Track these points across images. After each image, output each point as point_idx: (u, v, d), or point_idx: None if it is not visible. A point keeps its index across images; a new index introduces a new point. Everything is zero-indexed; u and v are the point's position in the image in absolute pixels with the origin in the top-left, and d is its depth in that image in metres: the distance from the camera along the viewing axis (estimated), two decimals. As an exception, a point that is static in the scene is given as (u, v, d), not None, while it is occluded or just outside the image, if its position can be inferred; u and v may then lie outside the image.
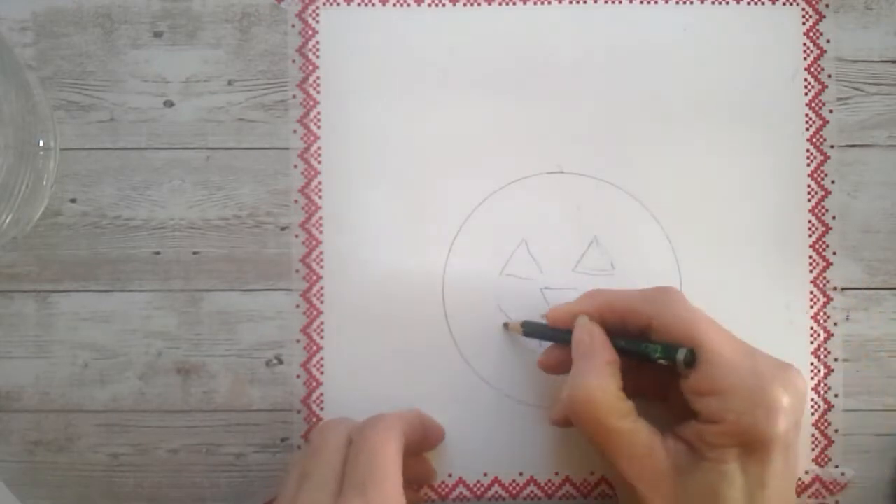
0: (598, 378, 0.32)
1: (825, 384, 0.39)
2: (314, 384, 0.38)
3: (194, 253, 0.39)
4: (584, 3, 0.40)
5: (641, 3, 0.40)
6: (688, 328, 0.32)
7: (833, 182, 0.39)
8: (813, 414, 0.38)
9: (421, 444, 0.36)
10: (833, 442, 0.38)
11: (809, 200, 0.39)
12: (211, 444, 0.38)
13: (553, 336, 0.36)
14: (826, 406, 0.39)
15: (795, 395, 0.31)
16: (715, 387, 0.31)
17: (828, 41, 0.40)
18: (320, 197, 0.39)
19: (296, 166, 0.39)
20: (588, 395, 0.32)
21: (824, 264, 0.39)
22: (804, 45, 0.40)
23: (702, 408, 0.32)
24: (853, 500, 0.38)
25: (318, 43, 0.39)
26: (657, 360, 0.32)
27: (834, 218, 0.39)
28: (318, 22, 0.39)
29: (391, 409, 0.36)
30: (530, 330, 0.37)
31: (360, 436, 0.32)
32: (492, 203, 0.39)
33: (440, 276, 0.39)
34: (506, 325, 0.38)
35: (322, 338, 0.38)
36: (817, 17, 0.40)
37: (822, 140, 0.39)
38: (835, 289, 0.39)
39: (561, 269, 0.39)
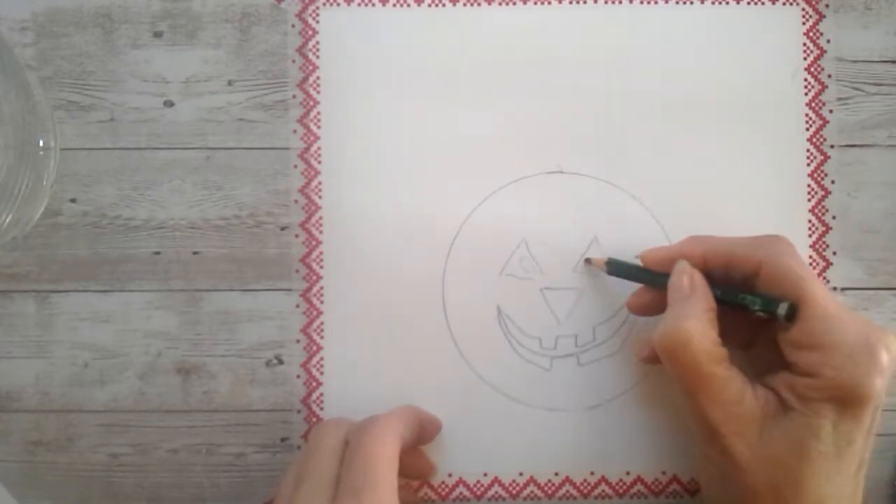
0: (697, 322, 0.32)
1: (825, 384, 0.39)
2: (314, 384, 0.38)
3: (194, 253, 0.39)
4: (585, 3, 0.40)
5: (641, 3, 0.40)
6: (796, 279, 0.32)
7: (833, 182, 0.39)
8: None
9: (418, 439, 0.36)
10: (833, 442, 0.38)
11: (809, 200, 0.39)
12: (211, 444, 0.38)
13: (642, 277, 0.36)
14: (826, 406, 0.39)
15: (894, 359, 0.31)
16: (816, 341, 0.31)
17: (828, 41, 0.40)
18: (320, 197, 0.39)
19: (296, 166, 0.39)
20: (686, 337, 0.32)
21: (824, 264, 0.39)
22: (804, 45, 0.40)
23: (799, 360, 0.32)
24: (853, 500, 0.38)
25: (318, 43, 0.39)
26: (755, 311, 0.32)
27: (834, 218, 0.39)
28: (318, 22, 0.39)
29: (390, 409, 0.36)
30: (616, 269, 0.37)
31: (356, 439, 0.32)
32: (492, 203, 0.39)
33: (440, 276, 0.39)
34: (588, 261, 0.38)
35: (322, 338, 0.38)
36: (817, 17, 0.40)
37: (822, 140, 0.39)
38: (835, 289, 0.39)
39: (561, 269, 0.39)
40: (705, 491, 0.35)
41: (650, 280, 0.36)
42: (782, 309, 0.32)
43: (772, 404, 0.32)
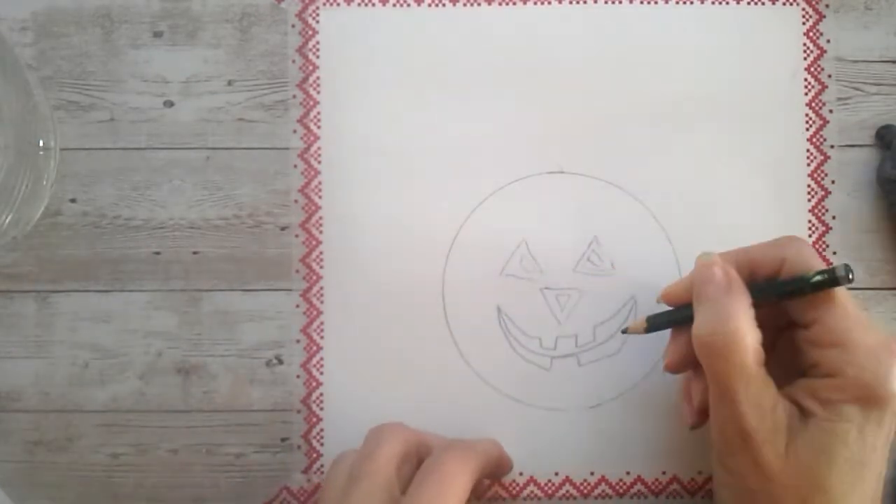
0: (747, 320, 0.31)
1: (825, 384, 0.39)
2: (314, 384, 0.38)
3: (194, 253, 0.39)
4: (585, 3, 0.40)
5: (641, 3, 0.40)
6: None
7: (833, 182, 0.39)
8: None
9: (490, 475, 0.36)
10: (833, 442, 0.38)
11: (809, 200, 0.39)
12: (211, 444, 0.38)
13: (683, 316, 0.34)
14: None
15: None
16: (837, 338, 0.31)
17: (828, 41, 0.40)
18: (320, 197, 0.39)
19: (296, 166, 0.39)
20: (737, 337, 0.30)
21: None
22: (804, 45, 0.40)
23: (820, 359, 0.31)
24: (853, 500, 0.38)
25: (318, 43, 0.39)
26: (813, 281, 0.31)
27: (834, 218, 0.39)
28: (318, 22, 0.39)
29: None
30: (655, 323, 0.35)
31: (437, 457, 0.32)
32: (492, 203, 0.39)
33: (440, 275, 0.39)
34: (625, 331, 0.37)
35: (322, 338, 0.38)
36: (817, 17, 0.40)
37: (822, 140, 0.39)
38: (835, 289, 0.39)
39: (561, 269, 0.39)
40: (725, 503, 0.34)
41: (691, 316, 0.33)
42: (841, 270, 0.30)
43: (794, 415, 0.31)
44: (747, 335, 0.31)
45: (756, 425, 0.30)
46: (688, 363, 0.34)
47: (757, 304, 0.32)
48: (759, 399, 0.31)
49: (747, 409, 0.30)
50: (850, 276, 0.31)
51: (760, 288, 0.32)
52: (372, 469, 0.31)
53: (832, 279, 0.31)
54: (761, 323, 0.32)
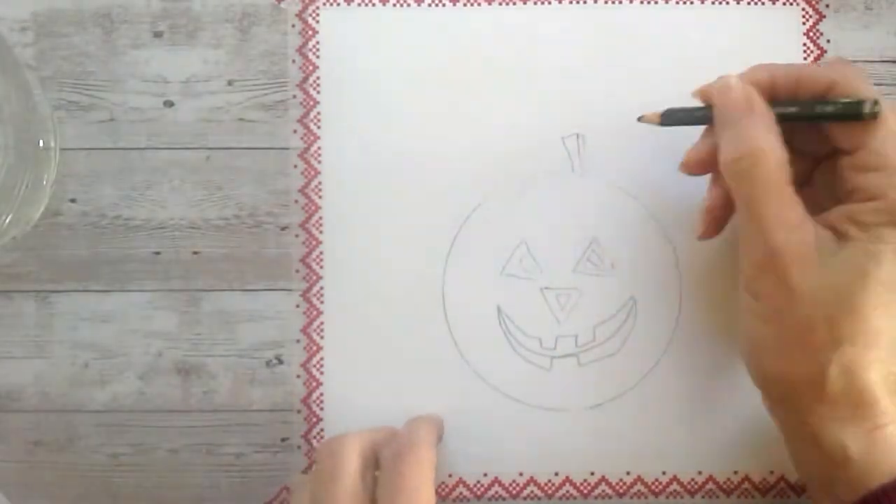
0: (769, 137, 0.31)
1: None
2: (314, 384, 0.38)
3: (194, 253, 0.39)
4: (584, 2, 0.40)
5: (641, 3, 0.40)
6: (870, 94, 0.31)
7: (833, 182, 0.39)
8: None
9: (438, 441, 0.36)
10: (833, 442, 0.38)
11: (810, 200, 0.39)
12: (211, 444, 0.38)
13: (702, 118, 0.34)
14: (826, 406, 0.39)
15: None
16: (881, 162, 0.30)
17: (828, 41, 0.40)
18: (320, 197, 0.39)
19: (296, 166, 0.39)
20: (760, 154, 0.31)
21: (824, 264, 0.39)
22: (804, 45, 0.40)
23: (862, 184, 0.31)
24: (853, 500, 0.38)
25: (318, 43, 0.39)
26: (833, 115, 0.31)
27: (834, 218, 0.39)
28: (318, 22, 0.39)
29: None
30: (672, 118, 0.35)
31: (394, 471, 0.31)
32: (491, 203, 0.39)
33: (440, 275, 0.39)
34: (640, 119, 0.36)
35: (322, 338, 0.38)
36: (817, 17, 0.40)
37: (822, 140, 0.39)
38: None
39: (561, 269, 0.39)
40: (749, 333, 0.33)
41: (709, 115, 0.34)
42: (868, 106, 0.30)
43: (826, 240, 0.30)
44: (771, 153, 0.31)
45: (782, 242, 0.30)
46: (705, 166, 0.34)
47: (792, 120, 0.32)
48: (785, 215, 0.30)
49: (773, 225, 0.30)
50: (876, 113, 0.30)
51: (796, 112, 0.32)
52: (339, 493, 0.31)
53: (856, 115, 0.31)
54: (798, 150, 0.32)
